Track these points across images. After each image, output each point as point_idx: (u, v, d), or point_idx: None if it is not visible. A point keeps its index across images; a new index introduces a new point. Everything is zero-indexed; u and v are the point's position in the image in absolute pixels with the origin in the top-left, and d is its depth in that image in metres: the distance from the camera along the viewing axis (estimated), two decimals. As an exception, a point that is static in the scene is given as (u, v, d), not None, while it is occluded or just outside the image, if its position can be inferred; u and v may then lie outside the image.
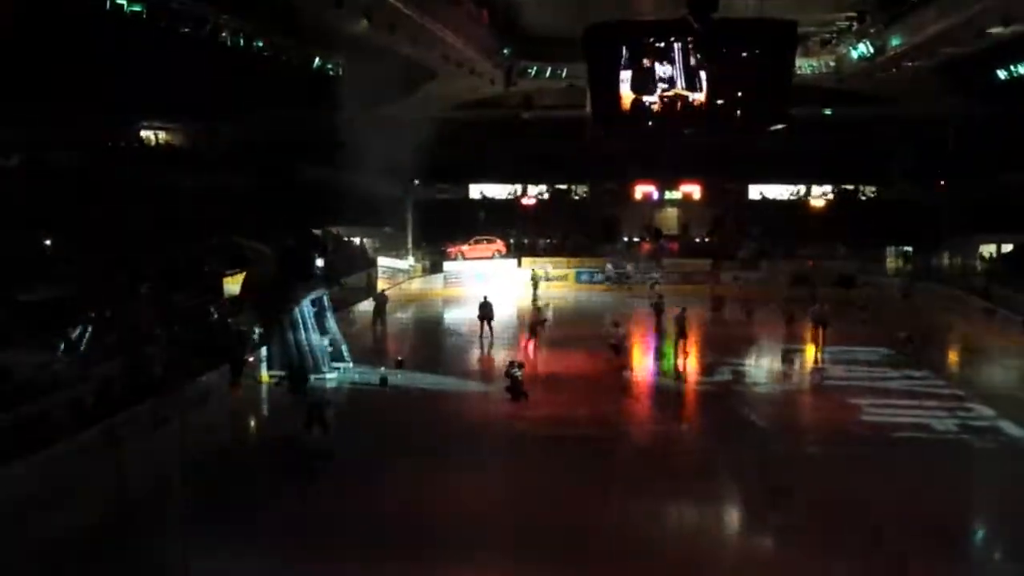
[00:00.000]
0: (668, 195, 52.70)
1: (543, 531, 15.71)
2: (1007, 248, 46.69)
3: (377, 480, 18.79)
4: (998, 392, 25.79)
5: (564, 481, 18.46)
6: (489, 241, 50.86)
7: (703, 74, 37.81)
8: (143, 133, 52.65)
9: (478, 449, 20.99)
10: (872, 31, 38.34)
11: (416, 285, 46.02)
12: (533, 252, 50.63)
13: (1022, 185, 46.15)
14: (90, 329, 24.60)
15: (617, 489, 18.24)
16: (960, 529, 16.77)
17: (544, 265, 46.92)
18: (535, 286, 42.98)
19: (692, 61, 37.45)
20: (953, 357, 32.24)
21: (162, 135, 54.20)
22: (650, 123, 39.88)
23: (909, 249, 49.49)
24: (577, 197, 54.31)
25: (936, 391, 26.53)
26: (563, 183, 53.80)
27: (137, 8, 28.22)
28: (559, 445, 21.22)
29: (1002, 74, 41.96)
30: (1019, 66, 40.68)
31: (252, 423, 24.61)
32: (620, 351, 30.06)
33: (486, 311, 33.99)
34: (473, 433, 22.34)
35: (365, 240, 52.25)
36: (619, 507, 17.20)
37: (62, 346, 23.35)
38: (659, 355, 32.86)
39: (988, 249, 48.33)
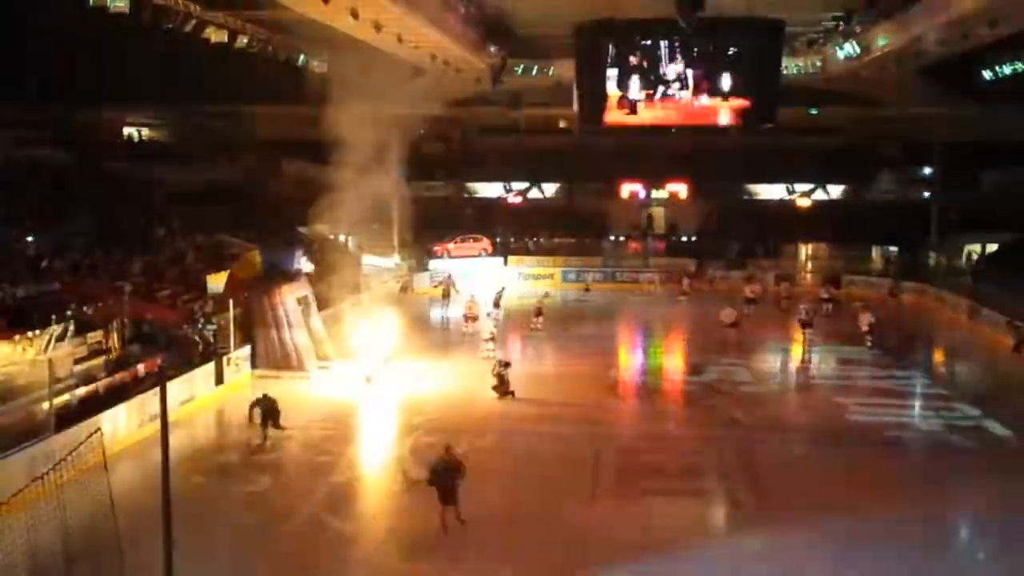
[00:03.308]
0: (655, 194, 52.68)
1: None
2: (992, 248, 46.89)
3: (362, 481, 18.71)
4: (983, 392, 25.84)
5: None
6: (475, 239, 50.79)
7: (690, 73, 37.89)
8: (127, 130, 52.39)
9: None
10: (858, 31, 38.38)
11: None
12: (519, 251, 50.66)
13: (1006, 185, 46.40)
14: (73, 327, 24.39)
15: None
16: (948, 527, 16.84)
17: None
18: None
19: (679, 60, 37.53)
20: (938, 357, 32.30)
21: (146, 131, 53.95)
22: (637, 122, 39.96)
23: (894, 249, 49.70)
24: (564, 195, 54.23)
25: (921, 391, 26.64)
26: (550, 181, 53.71)
27: (121, 4, 27.88)
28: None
29: (987, 74, 42.10)
30: (1003, 67, 40.81)
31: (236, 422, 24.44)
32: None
33: (471, 311, 34.02)
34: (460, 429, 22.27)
35: (351, 238, 51.98)
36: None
37: (45, 344, 23.12)
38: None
39: (973, 249, 48.51)
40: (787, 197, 52.71)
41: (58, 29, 38.86)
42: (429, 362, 29.76)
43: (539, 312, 35.66)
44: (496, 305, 37.41)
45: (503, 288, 39.79)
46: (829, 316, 36.92)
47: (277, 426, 20.74)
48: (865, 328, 31.79)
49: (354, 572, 14.97)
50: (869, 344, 31.34)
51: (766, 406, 25.21)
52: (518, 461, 19.95)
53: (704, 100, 38.33)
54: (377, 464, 20.53)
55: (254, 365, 27.30)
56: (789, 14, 37.40)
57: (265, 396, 20.97)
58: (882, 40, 37.16)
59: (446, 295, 37.09)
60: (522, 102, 50.55)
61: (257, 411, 20.63)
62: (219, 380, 25.25)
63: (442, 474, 15.47)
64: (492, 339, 30.98)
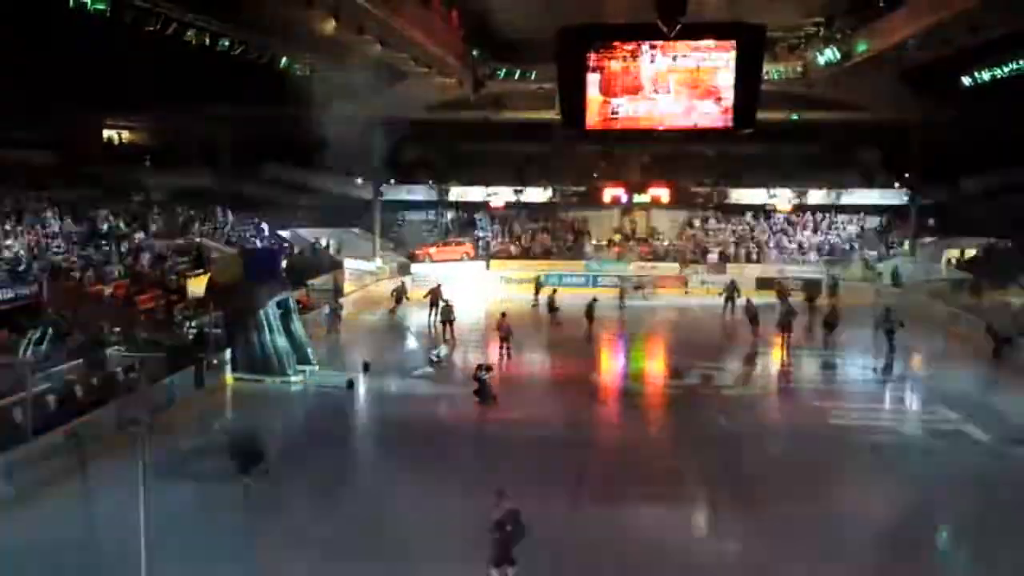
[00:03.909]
0: (637, 199, 52.79)
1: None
2: (971, 252, 47.15)
3: (346, 484, 18.66)
4: (962, 396, 25.97)
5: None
6: (457, 244, 50.80)
7: (672, 78, 37.92)
8: (106, 132, 52.08)
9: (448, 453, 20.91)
10: (839, 37, 38.60)
11: (384, 287, 45.77)
12: (502, 255, 50.69)
13: (986, 190, 46.72)
14: (51, 330, 24.24)
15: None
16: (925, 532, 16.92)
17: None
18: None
19: (661, 65, 37.56)
20: (918, 361, 32.42)
21: (126, 134, 53.64)
22: (619, 127, 39.96)
23: (874, 253, 49.92)
24: (546, 200, 54.32)
25: (901, 395, 26.78)
26: (532, 186, 53.77)
27: (101, 6, 27.75)
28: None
29: (966, 80, 42.41)
30: (983, 72, 41.14)
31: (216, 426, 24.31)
32: None
33: (447, 314, 33.96)
34: (442, 436, 22.25)
35: (332, 241, 51.93)
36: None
37: (23, 348, 22.96)
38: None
39: (952, 253, 48.77)
40: (768, 202, 52.89)
41: (37, 31, 38.60)
42: (412, 367, 29.72)
43: (590, 316, 35.65)
44: (551, 309, 37.52)
45: (555, 290, 39.95)
46: (811, 322, 37.10)
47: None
48: (888, 327, 31.93)
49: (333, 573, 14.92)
50: (895, 344, 31.31)
51: (748, 410, 25.28)
52: (499, 466, 19.90)
53: (685, 105, 38.36)
54: (358, 469, 20.47)
55: (234, 369, 27.16)
56: (770, 19, 37.54)
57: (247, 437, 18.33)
58: (862, 45, 37.36)
59: (434, 303, 37.04)
60: (505, 106, 50.55)
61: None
62: (199, 384, 25.12)
63: (503, 529, 13.34)
64: (506, 339, 31.12)
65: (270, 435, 19.37)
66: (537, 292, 42.26)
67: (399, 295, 39.38)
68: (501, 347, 30.91)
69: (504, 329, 31.30)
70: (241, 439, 18.19)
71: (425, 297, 36.99)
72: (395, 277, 46.12)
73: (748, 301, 36.48)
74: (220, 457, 18.04)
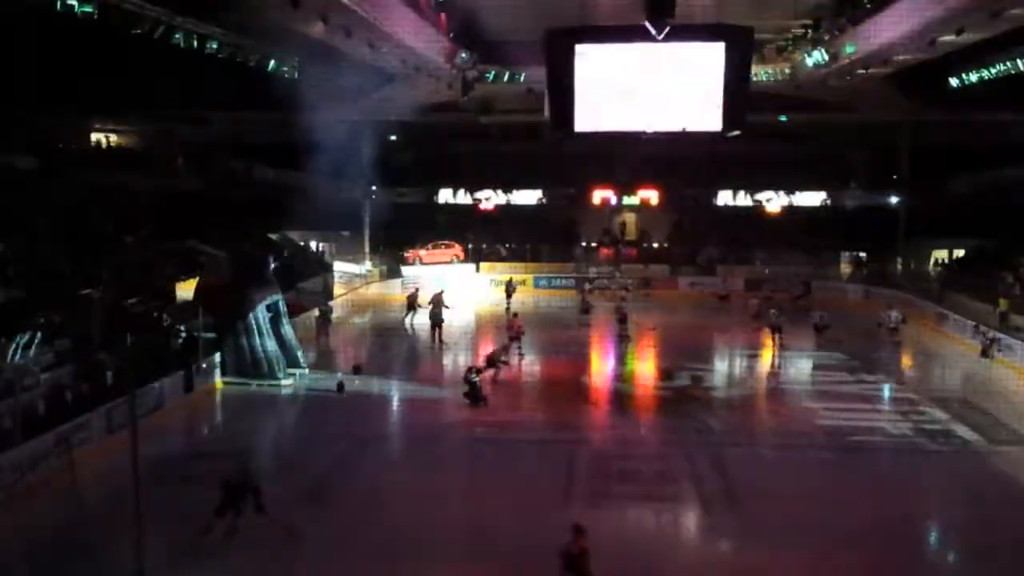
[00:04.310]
0: (626, 200, 52.84)
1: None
2: (959, 253, 47.37)
3: (337, 489, 18.64)
4: (950, 396, 26.08)
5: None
6: (447, 246, 50.79)
7: (660, 79, 37.99)
8: (94, 136, 51.87)
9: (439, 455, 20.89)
10: (827, 39, 38.69)
11: (373, 290, 45.79)
12: (491, 257, 50.69)
13: (973, 191, 46.88)
14: (40, 334, 24.12)
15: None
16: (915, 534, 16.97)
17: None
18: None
19: (649, 66, 37.62)
20: (906, 361, 32.54)
21: (113, 137, 53.42)
22: (608, 129, 40.01)
23: (863, 255, 50.07)
24: (535, 202, 54.32)
25: (890, 395, 26.86)
26: (521, 188, 53.77)
27: (88, 9, 27.68)
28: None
29: (954, 81, 42.59)
30: (970, 74, 41.32)
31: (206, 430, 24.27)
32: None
33: (436, 317, 33.89)
34: (432, 439, 22.23)
35: (322, 244, 51.85)
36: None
37: (11, 351, 22.85)
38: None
39: (940, 254, 48.97)
40: (756, 203, 52.97)
41: (23, 33, 38.51)
42: (404, 370, 29.70)
43: (623, 318, 35.13)
44: (585, 312, 37.49)
45: (590, 292, 40.00)
46: (800, 321, 37.16)
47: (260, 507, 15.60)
48: (893, 325, 32.05)
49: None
50: (897, 340, 31.42)
51: (737, 411, 25.34)
52: (490, 468, 19.91)
53: (674, 107, 38.42)
54: (346, 470, 20.43)
55: (224, 373, 27.11)
56: (758, 21, 37.63)
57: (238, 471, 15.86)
58: (850, 47, 37.44)
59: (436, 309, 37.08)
60: (494, 108, 50.53)
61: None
62: (188, 388, 25.07)
63: (576, 569, 12.74)
64: (518, 338, 31.17)
65: (261, 438, 19.32)
66: (509, 296, 41.99)
67: (412, 301, 39.07)
68: (510, 347, 30.86)
69: (515, 329, 31.34)
70: (231, 471, 15.83)
71: (429, 304, 37.02)
72: (384, 280, 46.17)
73: (751, 302, 36.70)
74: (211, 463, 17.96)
